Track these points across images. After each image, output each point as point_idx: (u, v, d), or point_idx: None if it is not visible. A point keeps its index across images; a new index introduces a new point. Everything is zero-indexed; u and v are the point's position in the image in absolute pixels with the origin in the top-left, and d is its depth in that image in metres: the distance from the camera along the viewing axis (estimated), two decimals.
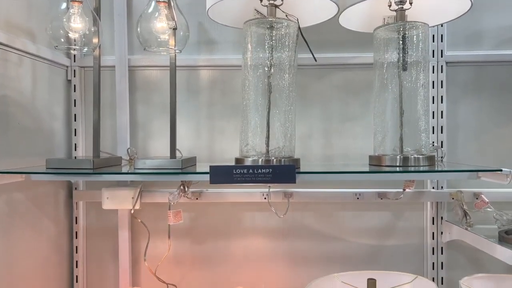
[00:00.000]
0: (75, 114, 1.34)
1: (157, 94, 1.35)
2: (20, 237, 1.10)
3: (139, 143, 1.35)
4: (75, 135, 1.34)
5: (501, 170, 0.93)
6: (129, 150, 1.25)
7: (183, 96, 1.34)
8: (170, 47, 1.11)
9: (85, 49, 1.10)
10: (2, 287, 1.04)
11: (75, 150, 1.34)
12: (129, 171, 1.05)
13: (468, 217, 1.17)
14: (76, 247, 1.34)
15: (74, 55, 1.33)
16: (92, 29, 1.09)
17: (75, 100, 1.34)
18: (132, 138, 1.34)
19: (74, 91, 1.33)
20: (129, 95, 1.33)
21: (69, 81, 1.34)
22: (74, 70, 1.33)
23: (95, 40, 1.10)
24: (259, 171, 0.96)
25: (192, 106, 1.34)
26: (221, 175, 0.97)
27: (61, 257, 1.31)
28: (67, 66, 1.33)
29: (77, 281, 1.35)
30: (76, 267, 1.34)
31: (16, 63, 1.10)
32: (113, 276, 1.35)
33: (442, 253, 1.30)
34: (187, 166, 1.09)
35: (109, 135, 1.34)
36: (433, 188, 1.29)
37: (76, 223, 1.34)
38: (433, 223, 1.30)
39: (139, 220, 1.31)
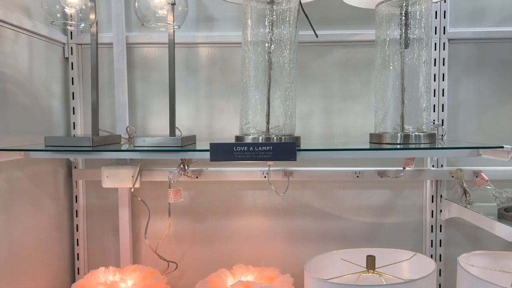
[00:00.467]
0: (73, 92, 1.32)
1: (156, 72, 1.33)
2: (20, 215, 1.11)
3: (138, 121, 1.34)
4: (74, 113, 1.33)
5: (502, 147, 0.92)
6: (128, 128, 1.24)
7: (182, 74, 1.32)
8: (168, 22, 1.09)
9: (82, 25, 1.08)
10: (4, 265, 1.04)
11: (74, 128, 1.33)
12: (129, 149, 1.05)
13: (467, 195, 1.17)
14: (77, 225, 1.35)
15: (71, 32, 1.31)
16: (89, 4, 1.06)
17: (72, 78, 1.32)
18: (131, 117, 1.33)
19: (72, 69, 1.32)
20: (127, 73, 1.31)
21: (66, 59, 1.32)
22: (71, 48, 1.31)
23: (92, 16, 1.08)
24: (260, 148, 0.96)
25: (191, 84, 1.33)
26: (222, 152, 0.97)
27: (62, 235, 1.31)
28: (64, 43, 1.30)
29: (78, 259, 1.35)
30: (77, 245, 1.35)
31: (12, 39, 1.08)
32: (113, 254, 1.35)
33: (440, 231, 1.31)
34: (187, 144, 1.08)
35: (108, 114, 1.33)
36: (433, 166, 1.29)
37: (76, 202, 1.34)
38: (432, 201, 1.31)
39: (139, 199, 1.31)
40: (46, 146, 1.02)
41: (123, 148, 1.09)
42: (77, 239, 1.35)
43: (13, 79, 1.08)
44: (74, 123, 1.33)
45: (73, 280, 1.35)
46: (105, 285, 1.10)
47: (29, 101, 1.15)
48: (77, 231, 1.35)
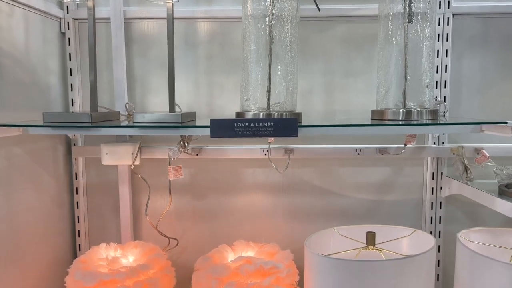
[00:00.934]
0: (70, 69, 1.30)
1: (154, 48, 1.31)
2: (20, 192, 1.10)
3: (136, 98, 1.32)
4: (72, 90, 1.31)
5: (505, 123, 0.91)
6: (127, 105, 1.23)
7: (181, 50, 1.30)
8: None
9: None
10: (5, 241, 1.04)
11: (72, 105, 1.32)
12: (129, 125, 1.04)
13: (468, 172, 1.17)
14: (77, 202, 1.35)
15: (67, 7, 1.28)
16: None
17: (69, 54, 1.30)
18: (129, 94, 1.31)
19: (69, 45, 1.29)
20: (126, 49, 1.29)
21: (63, 34, 1.29)
22: (68, 22, 1.28)
23: None
24: (261, 124, 0.95)
25: (190, 60, 1.31)
26: (222, 128, 0.96)
27: (62, 212, 1.32)
28: (60, 18, 1.28)
29: (79, 236, 1.36)
30: (78, 222, 1.36)
31: (7, 13, 1.05)
32: (114, 231, 1.36)
33: (440, 208, 1.31)
34: (187, 120, 1.07)
35: (106, 91, 1.31)
36: (434, 143, 1.29)
37: (76, 179, 1.34)
38: (433, 178, 1.30)
39: (139, 176, 1.30)
40: (44, 122, 1.01)
41: (122, 124, 1.07)
42: (78, 216, 1.35)
43: (9, 54, 1.06)
44: (72, 100, 1.31)
45: (75, 256, 1.35)
46: (107, 261, 1.11)
47: (26, 77, 1.13)
48: (77, 208, 1.35)
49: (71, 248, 1.36)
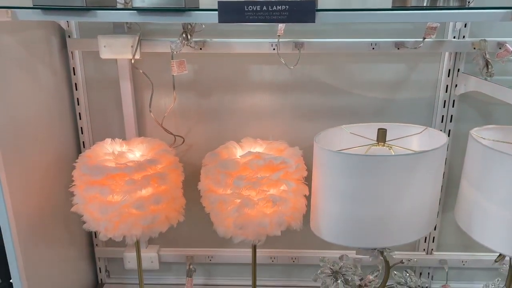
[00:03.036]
0: None
1: None
2: (16, 86, 1.04)
3: None
4: None
5: None
6: None
7: None
8: None
9: None
10: (6, 138, 1.00)
11: None
12: (128, 7, 0.94)
13: (490, 67, 1.11)
14: (77, 99, 1.30)
15: None
16: None
17: None
18: None
19: None
20: None
21: None
22: None
23: None
24: (274, 8, 0.87)
25: None
26: (231, 12, 0.88)
27: (63, 109, 1.27)
28: None
29: (82, 133, 1.33)
30: (80, 119, 1.32)
31: None
32: (118, 128, 1.33)
33: (453, 106, 1.28)
34: (190, 6, 0.98)
35: None
36: (454, 37, 1.21)
37: (74, 74, 1.27)
38: (448, 76, 1.25)
39: (141, 71, 1.24)
40: (34, 5, 0.92)
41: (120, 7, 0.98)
42: (79, 113, 1.31)
43: None
44: None
45: (79, 153, 1.33)
46: (113, 155, 1.09)
47: None
48: (78, 104, 1.30)
49: (75, 145, 1.34)
